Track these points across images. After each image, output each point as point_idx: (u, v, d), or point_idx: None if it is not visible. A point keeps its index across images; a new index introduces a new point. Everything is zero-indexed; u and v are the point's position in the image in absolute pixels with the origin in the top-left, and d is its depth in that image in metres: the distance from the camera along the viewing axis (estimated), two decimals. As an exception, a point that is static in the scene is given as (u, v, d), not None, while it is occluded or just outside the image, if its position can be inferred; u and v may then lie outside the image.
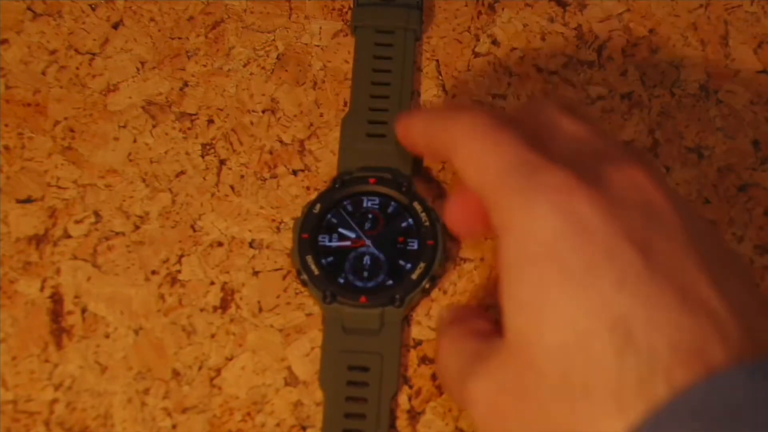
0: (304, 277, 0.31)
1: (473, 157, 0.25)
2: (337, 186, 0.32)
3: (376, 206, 0.32)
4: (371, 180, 0.32)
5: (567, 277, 0.22)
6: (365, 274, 0.31)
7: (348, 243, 0.32)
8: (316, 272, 0.31)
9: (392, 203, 0.32)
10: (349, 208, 0.32)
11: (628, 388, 0.21)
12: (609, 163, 0.24)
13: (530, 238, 0.23)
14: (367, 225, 0.32)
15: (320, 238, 0.32)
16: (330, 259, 0.31)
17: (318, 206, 0.32)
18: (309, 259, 0.31)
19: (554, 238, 0.22)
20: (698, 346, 0.21)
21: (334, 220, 0.32)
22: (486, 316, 0.28)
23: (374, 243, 0.32)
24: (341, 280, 0.31)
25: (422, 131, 0.28)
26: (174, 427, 0.30)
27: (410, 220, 0.32)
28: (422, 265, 0.31)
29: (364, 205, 0.32)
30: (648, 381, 0.21)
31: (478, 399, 0.24)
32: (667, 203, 0.23)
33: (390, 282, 0.31)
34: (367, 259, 0.31)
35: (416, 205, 0.32)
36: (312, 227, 0.32)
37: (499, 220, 0.24)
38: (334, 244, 0.32)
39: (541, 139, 0.25)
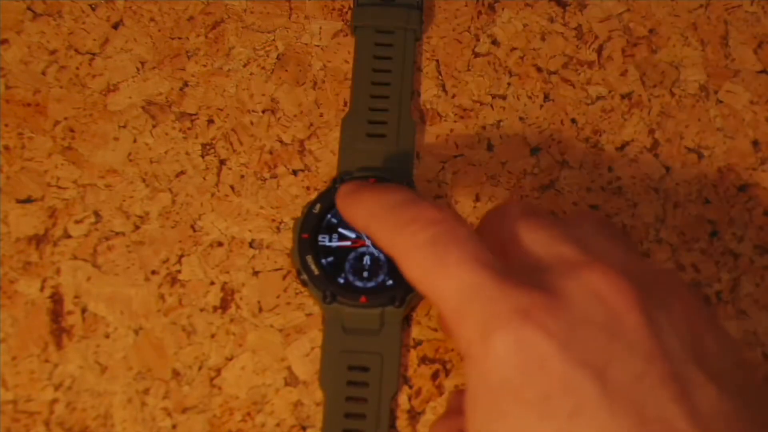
0: (304, 277, 0.31)
1: (425, 286, 0.24)
2: (337, 186, 0.32)
3: None
4: (371, 180, 0.32)
5: (524, 410, 0.22)
6: (365, 274, 0.31)
7: (348, 243, 0.32)
8: (316, 272, 0.31)
9: None
10: None
11: None
12: (568, 270, 0.23)
13: (489, 370, 0.22)
14: None
15: (320, 238, 0.32)
16: (330, 259, 0.31)
17: (318, 206, 0.32)
18: (309, 259, 0.31)
19: (511, 372, 0.22)
20: None
21: (334, 220, 0.32)
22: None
23: (374, 243, 0.32)
24: (341, 280, 0.31)
25: (363, 222, 0.26)
26: (174, 427, 0.30)
27: None
28: None
29: None
30: None
31: None
32: (632, 312, 0.22)
33: (390, 282, 0.31)
34: (367, 259, 0.31)
35: None
36: (312, 227, 0.32)
37: (461, 348, 0.23)
38: (334, 244, 0.32)
39: (504, 249, 0.25)
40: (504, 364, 0.22)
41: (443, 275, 0.23)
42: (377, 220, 0.26)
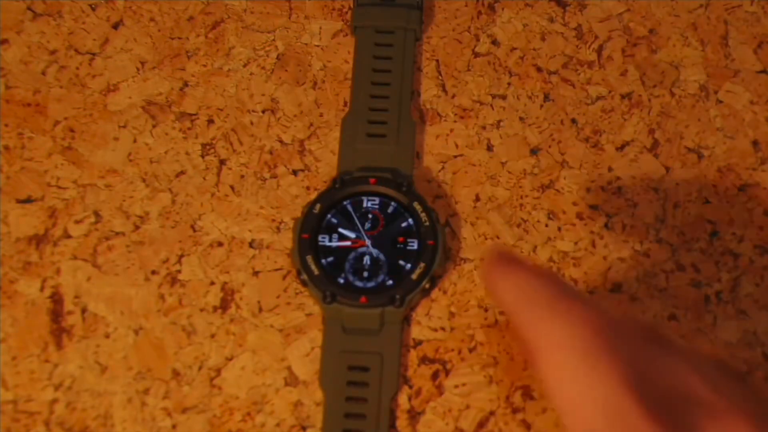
0: (304, 277, 0.31)
1: (562, 388, 0.22)
2: (337, 186, 0.32)
3: (376, 206, 0.32)
4: (371, 180, 0.32)
5: None
6: (365, 274, 0.31)
7: (348, 243, 0.32)
8: (316, 272, 0.31)
9: (392, 203, 0.32)
10: (349, 208, 0.32)
11: None
12: (708, 413, 0.22)
13: None
14: (367, 225, 0.32)
15: (320, 238, 0.32)
16: (330, 259, 0.31)
17: (318, 206, 0.32)
18: (309, 259, 0.31)
19: None
20: None
21: (334, 220, 0.32)
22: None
23: (374, 243, 0.32)
24: (341, 280, 0.31)
25: (511, 300, 0.25)
26: (174, 427, 0.30)
27: (410, 220, 0.32)
28: (422, 265, 0.31)
29: (364, 205, 0.32)
30: None
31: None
32: None
33: (390, 282, 0.31)
34: (367, 259, 0.31)
35: (416, 205, 0.32)
36: (312, 227, 0.31)
37: None
38: (334, 244, 0.32)
39: (642, 369, 0.23)
40: None
41: (587, 384, 0.22)
42: (528, 306, 0.24)
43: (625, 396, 0.21)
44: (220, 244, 0.32)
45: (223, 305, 0.32)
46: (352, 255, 0.31)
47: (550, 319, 0.23)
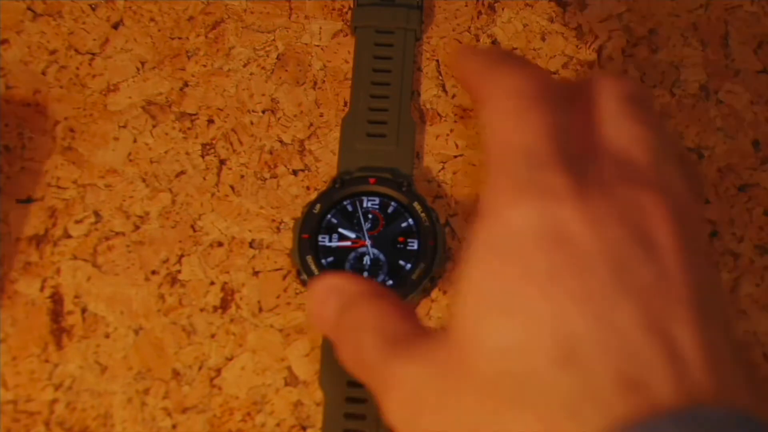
0: (305, 277, 0.31)
1: (493, 126, 0.24)
2: (337, 186, 0.32)
3: (376, 206, 0.32)
4: (371, 180, 0.32)
5: (529, 279, 0.21)
6: (365, 274, 0.31)
7: (348, 243, 0.32)
8: (317, 272, 0.31)
9: (392, 203, 0.32)
10: (349, 208, 0.32)
11: (555, 408, 0.20)
12: (628, 180, 0.23)
13: (505, 231, 0.22)
14: (367, 225, 0.32)
15: (320, 239, 0.32)
16: (330, 259, 0.31)
17: (318, 206, 0.32)
18: (309, 259, 0.31)
19: (528, 238, 0.21)
20: (646, 380, 0.20)
21: (334, 221, 0.32)
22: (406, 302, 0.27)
23: (374, 243, 0.32)
24: None
25: (463, 66, 0.26)
26: (174, 427, 0.30)
27: (410, 220, 0.32)
28: (422, 265, 0.31)
29: (364, 205, 0.32)
30: (580, 406, 0.20)
31: (400, 384, 0.23)
32: (668, 239, 0.22)
33: (390, 282, 0.31)
34: (367, 260, 0.31)
35: (416, 205, 0.32)
36: (312, 227, 0.31)
37: (485, 203, 0.23)
38: (334, 244, 0.32)
39: (582, 126, 0.24)
40: (524, 227, 0.21)
41: (510, 130, 0.23)
42: (478, 61, 0.26)
43: (546, 145, 0.22)
44: (220, 244, 0.32)
45: (223, 305, 0.32)
46: (352, 255, 0.31)
47: (494, 75, 0.24)
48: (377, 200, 0.32)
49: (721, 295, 0.23)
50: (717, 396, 0.20)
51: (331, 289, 0.26)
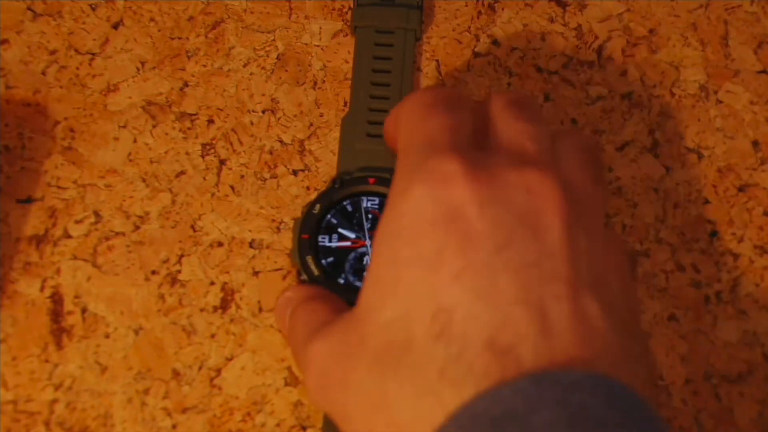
0: (305, 277, 0.31)
1: (402, 132, 0.26)
2: (336, 186, 0.32)
3: (376, 206, 0.32)
4: (371, 180, 0.32)
5: (416, 260, 0.23)
6: (365, 274, 0.31)
7: (348, 243, 0.32)
8: (317, 273, 0.31)
9: None
10: (349, 208, 0.32)
11: (430, 374, 0.21)
12: (518, 165, 0.24)
13: (398, 216, 0.24)
14: (367, 225, 0.32)
15: (320, 239, 0.32)
16: (330, 259, 0.31)
17: (318, 207, 0.32)
18: (309, 259, 0.31)
19: (418, 222, 0.23)
20: (515, 348, 0.21)
21: (334, 221, 0.32)
22: (341, 300, 0.29)
23: (374, 243, 0.32)
24: (341, 281, 0.31)
25: (388, 127, 0.29)
26: (174, 427, 0.30)
27: None
28: None
29: (364, 205, 0.32)
30: (453, 371, 0.21)
31: (310, 361, 0.25)
32: (554, 219, 0.23)
33: None
34: (367, 260, 0.31)
35: None
36: (312, 228, 0.31)
37: (390, 192, 0.25)
38: (334, 244, 0.32)
39: (480, 131, 0.26)
40: (415, 212, 0.23)
41: (414, 126, 0.25)
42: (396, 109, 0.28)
43: (441, 135, 0.24)
44: (220, 244, 0.32)
45: (223, 305, 0.32)
46: (352, 255, 0.31)
47: (405, 101, 0.27)
48: (377, 200, 0.32)
49: (619, 278, 0.24)
50: (583, 363, 0.21)
51: (286, 300, 0.30)
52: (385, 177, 0.32)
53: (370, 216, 0.32)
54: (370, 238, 0.32)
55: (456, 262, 0.22)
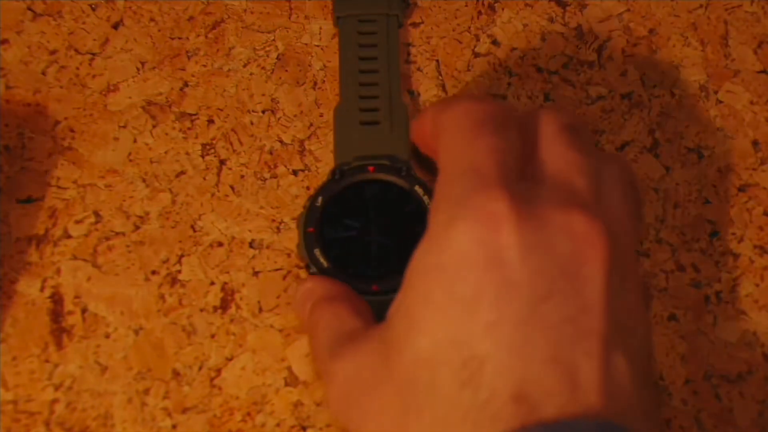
0: (314, 270, 0.31)
1: (446, 147, 0.25)
2: (336, 177, 0.32)
3: (378, 194, 0.32)
4: (370, 168, 0.32)
5: (452, 301, 0.22)
6: (374, 261, 0.31)
7: (354, 232, 0.31)
8: (326, 265, 0.31)
9: (393, 189, 0.32)
10: (352, 197, 0.32)
11: (452, 417, 0.21)
12: (564, 204, 0.23)
13: (438, 251, 0.23)
14: (371, 213, 0.32)
15: (325, 231, 0.31)
16: (337, 250, 0.31)
17: (320, 199, 0.32)
18: (317, 252, 0.31)
19: (457, 261, 0.22)
20: (539, 401, 0.21)
21: (337, 211, 0.32)
22: (363, 301, 0.29)
23: (380, 230, 0.31)
24: (351, 270, 0.31)
25: (422, 125, 0.29)
26: (174, 427, 0.30)
27: (413, 204, 0.32)
28: None
29: (366, 193, 0.32)
30: (474, 416, 0.21)
31: (334, 377, 0.25)
32: (596, 271, 0.23)
33: (399, 267, 0.31)
34: (374, 247, 0.31)
35: (418, 189, 0.32)
36: (316, 220, 0.31)
37: (430, 222, 0.24)
38: (340, 234, 0.31)
39: (528, 153, 0.25)
40: (456, 251, 0.23)
41: (459, 150, 0.24)
42: (432, 112, 0.28)
43: (490, 166, 0.24)
44: (220, 244, 0.32)
45: (223, 305, 0.32)
46: (359, 244, 0.31)
47: (446, 109, 0.27)
48: (378, 187, 0.32)
49: (643, 323, 0.24)
50: (604, 415, 0.21)
51: (307, 291, 0.30)
52: (383, 164, 0.32)
53: (372, 204, 0.32)
54: (375, 225, 0.32)
55: (492, 312, 0.22)
